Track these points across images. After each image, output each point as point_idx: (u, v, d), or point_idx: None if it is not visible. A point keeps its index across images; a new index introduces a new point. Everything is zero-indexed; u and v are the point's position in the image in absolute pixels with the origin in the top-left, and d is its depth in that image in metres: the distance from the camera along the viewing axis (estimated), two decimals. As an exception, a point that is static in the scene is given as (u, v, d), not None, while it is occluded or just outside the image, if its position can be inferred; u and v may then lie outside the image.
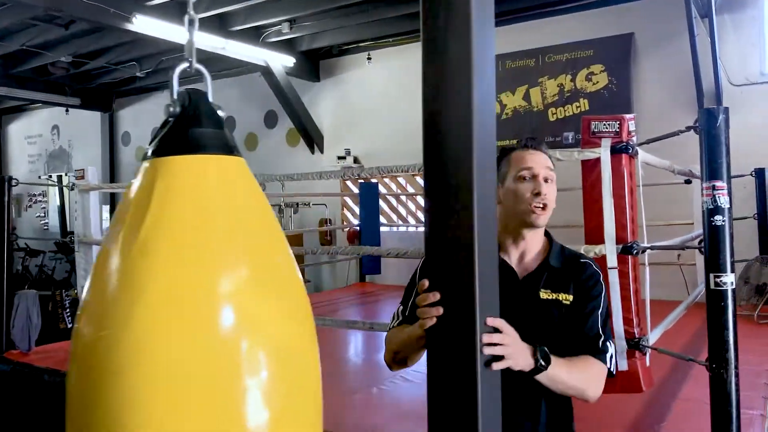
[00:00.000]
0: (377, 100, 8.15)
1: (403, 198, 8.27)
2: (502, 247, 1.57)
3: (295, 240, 7.86)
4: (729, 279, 1.96)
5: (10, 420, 4.13)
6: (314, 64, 8.63)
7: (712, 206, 1.97)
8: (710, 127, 1.98)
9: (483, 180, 1.24)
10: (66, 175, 11.69)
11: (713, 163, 1.97)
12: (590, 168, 2.53)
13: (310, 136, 8.60)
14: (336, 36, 7.80)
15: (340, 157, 8.21)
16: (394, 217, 8.37)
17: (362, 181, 7.85)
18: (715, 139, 1.97)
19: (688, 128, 2.17)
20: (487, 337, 1.21)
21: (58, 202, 11.64)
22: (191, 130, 0.87)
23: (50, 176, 12.04)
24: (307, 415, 0.93)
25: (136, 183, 0.87)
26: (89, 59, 8.55)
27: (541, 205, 1.52)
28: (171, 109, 0.91)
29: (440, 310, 1.20)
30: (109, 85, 10.25)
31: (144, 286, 0.82)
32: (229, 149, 0.90)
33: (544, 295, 1.54)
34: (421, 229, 7.90)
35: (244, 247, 0.87)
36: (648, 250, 2.60)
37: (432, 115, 1.29)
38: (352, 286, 8.03)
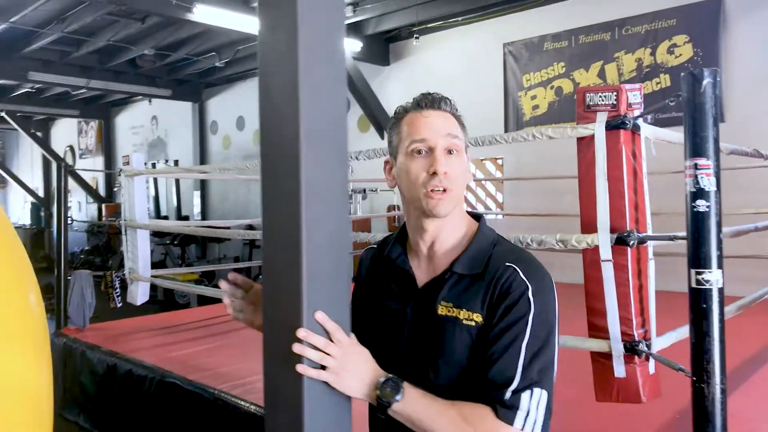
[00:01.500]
0: (445, 82, 7.89)
1: (471, 184, 7.97)
2: (410, 245, 1.24)
3: (363, 225, 7.83)
4: (714, 276, 1.63)
5: (63, 389, 4.42)
6: (383, 47, 8.51)
7: (694, 189, 1.64)
8: (693, 94, 1.64)
9: (313, 166, 1.07)
10: (164, 162, 12.43)
11: (696, 137, 1.63)
12: (585, 146, 2.22)
13: (379, 121, 8.51)
14: (402, 17, 7.62)
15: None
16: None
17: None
18: (699, 108, 1.63)
19: (671, 100, 1.82)
20: (304, 334, 1.02)
21: (153, 190, 12.42)
22: None
23: (153, 164, 12.86)
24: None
25: None
26: (171, 52, 8.95)
27: (441, 188, 1.13)
28: None
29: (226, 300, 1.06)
30: (197, 75, 10.72)
31: None
32: None
33: (441, 310, 1.16)
34: (490, 216, 7.62)
35: None
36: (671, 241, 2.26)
37: (265, 110, 1.13)
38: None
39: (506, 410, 1.04)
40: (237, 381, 3.20)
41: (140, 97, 12.01)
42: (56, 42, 8.54)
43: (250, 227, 8.76)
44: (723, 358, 1.63)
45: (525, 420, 1.03)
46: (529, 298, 1.09)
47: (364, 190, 8.25)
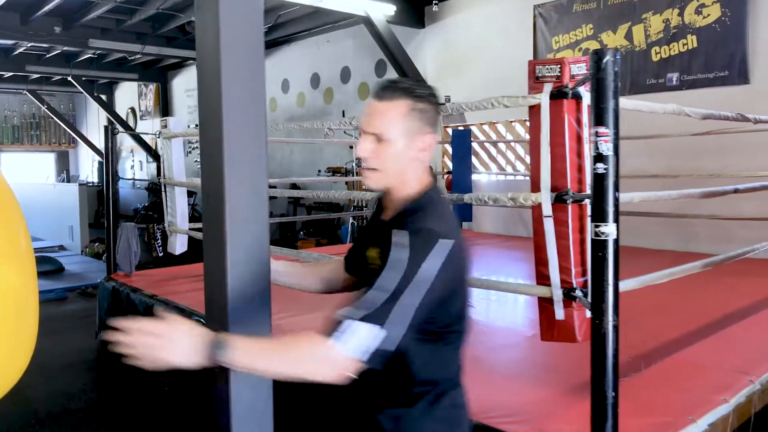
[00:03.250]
0: (478, 45, 8.01)
1: (501, 146, 8.13)
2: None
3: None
4: (610, 229, 1.88)
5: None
6: (418, 10, 8.64)
7: (595, 153, 1.89)
8: (596, 70, 1.87)
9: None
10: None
11: (597, 108, 1.87)
12: (534, 114, 2.46)
13: (414, 84, 8.69)
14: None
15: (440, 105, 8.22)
16: (493, 166, 8.27)
17: (459, 128, 7.86)
18: (601, 82, 1.86)
19: (582, 78, 2.04)
20: (112, 337, 1.15)
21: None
22: None
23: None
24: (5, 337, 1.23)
25: None
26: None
27: (368, 168, 1.36)
28: None
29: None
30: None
31: None
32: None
33: (368, 251, 1.40)
34: (519, 177, 7.78)
35: None
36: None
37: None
38: (448, 233, 8.16)
39: (336, 333, 1.17)
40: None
41: (191, 61, 12.55)
42: (112, 11, 9.10)
43: (294, 186, 9.24)
44: (616, 299, 1.90)
45: (342, 339, 1.17)
46: (398, 252, 1.24)
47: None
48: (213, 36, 1.39)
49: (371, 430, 1.43)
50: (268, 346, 1.24)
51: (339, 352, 1.17)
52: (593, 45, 6.76)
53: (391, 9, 7.98)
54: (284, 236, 10.18)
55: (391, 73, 9.02)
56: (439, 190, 1.44)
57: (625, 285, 2.43)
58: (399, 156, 1.34)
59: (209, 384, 1.47)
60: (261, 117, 1.46)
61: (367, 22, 8.08)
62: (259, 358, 1.21)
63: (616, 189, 1.88)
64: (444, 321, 1.37)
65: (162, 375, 3.89)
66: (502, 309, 4.29)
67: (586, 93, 2.38)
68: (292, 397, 2.74)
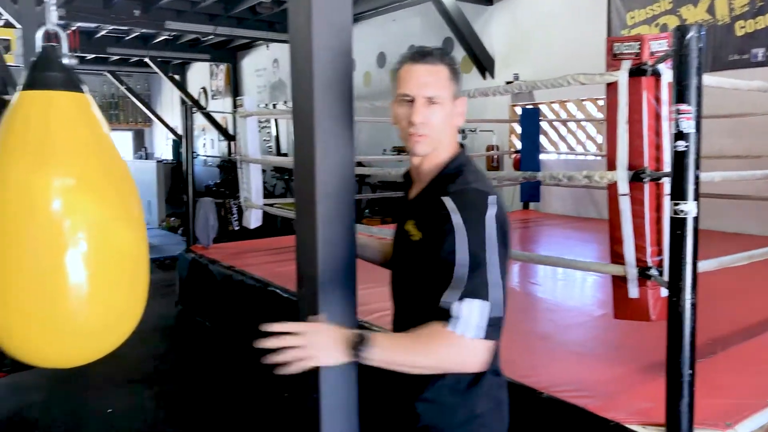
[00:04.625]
0: (548, 22, 7.83)
1: (572, 125, 7.96)
2: (410, 165, 1.48)
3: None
4: (689, 207, 1.87)
5: (190, 294, 5.30)
6: (488, -13, 8.52)
7: (676, 131, 1.87)
8: (679, 46, 1.84)
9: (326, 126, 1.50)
10: (283, 103, 13.28)
11: (679, 85, 1.85)
12: (612, 92, 2.44)
13: (481, 62, 8.62)
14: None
15: (508, 83, 8.14)
16: (563, 145, 8.12)
17: (528, 106, 7.76)
18: (683, 59, 1.84)
19: (663, 55, 2.00)
20: (262, 344, 1.18)
21: (274, 130, 13.36)
22: (41, 73, 1.31)
23: (275, 105, 13.79)
24: (125, 287, 1.36)
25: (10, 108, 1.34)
26: (287, -2, 9.53)
27: (419, 134, 1.35)
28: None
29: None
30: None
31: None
32: (74, 86, 1.33)
33: (406, 225, 1.40)
34: (590, 157, 7.61)
35: (79, 162, 1.31)
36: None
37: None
38: (514, 213, 8.12)
39: (447, 319, 1.21)
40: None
41: (260, 41, 12.83)
42: (186, -7, 9.43)
43: (360, 164, 9.37)
44: (695, 277, 1.90)
45: (460, 325, 1.20)
46: (450, 224, 1.25)
47: (464, 131, 8.50)
48: (305, 18, 1.48)
49: (407, 417, 1.41)
50: (406, 343, 1.25)
51: (465, 340, 1.20)
52: (672, 20, 6.50)
53: (459, -14, 7.91)
54: (350, 214, 10.34)
55: (458, 51, 8.96)
56: (468, 152, 1.45)
57: (703, 266, 2.41)
58: (446, 120, 1.37)
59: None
60: (348, 97, 1.54)
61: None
62: (400, 354, 1.24)
63: (697, 167, 1.87)
64: None
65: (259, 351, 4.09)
66: (569, 289, 4.28)
67: (666, 70, 2.34)
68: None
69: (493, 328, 1.24)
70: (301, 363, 1.21)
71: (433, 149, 1.39)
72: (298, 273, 1.63)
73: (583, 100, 7.59)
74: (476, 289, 1.22)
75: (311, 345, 1.21)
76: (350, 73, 1.55)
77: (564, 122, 7.91)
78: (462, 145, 1.45)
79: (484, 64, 8.64)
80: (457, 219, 1.26)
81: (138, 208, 1.42)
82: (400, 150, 9.91)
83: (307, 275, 1.57)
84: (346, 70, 1.53)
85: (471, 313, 1.20)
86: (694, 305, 1.89)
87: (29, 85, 1.31)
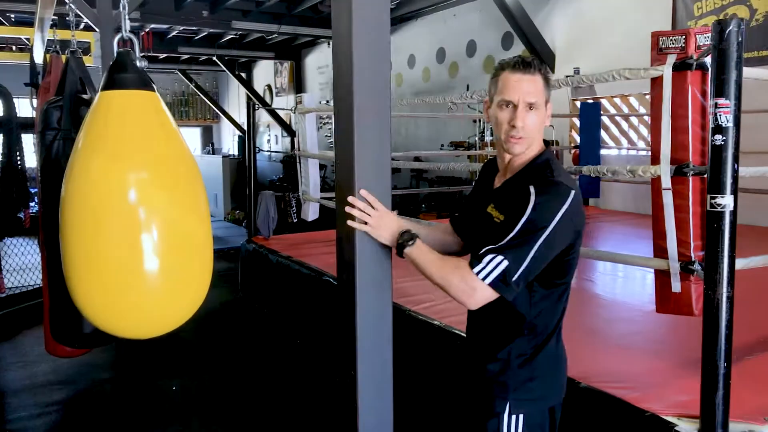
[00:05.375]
0: (612, 15, 7.68)
1: (634, 120, 7.77)
2: (498, 158, 1.69)
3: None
4: (726, 201, 1.87)
5: (251, 282, 5.54)
6: (548, -20, 8.42)
7: (714, 125, 1.88)
8: (719, 41, 1.85)
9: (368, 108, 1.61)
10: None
11: (717, 79, 1.85)
12: (657, 86, 2.44)
13: (541, 57, 8.52)
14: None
15: (567, 77, 8.01)
16: (624, 140, 7.94)
17: (588, 100, 7.63)
18: (723, 53, 1.84)
19: (705, 49, 1.98)
20: (351, 200, 1.55)
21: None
22: (118, 75, 1.48)
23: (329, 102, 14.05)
24: (191, 269, 1.52)
25: (92, 107, 1.51)
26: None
27: (518, 136, 1.54)
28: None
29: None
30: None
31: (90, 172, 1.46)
32: (146, 86, 1.49)
33: (489, 209, 1.62)
34: (631, 152, 7.41)
35: (152, 156, 1.47)
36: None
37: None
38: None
39: (476, 261, 1.46)
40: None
41: (323, 39, 13.10)
42: (252, -7, 9.77)
43: (417, 159, 9.47)
44: (732, 270, 1.91)
45: (481, 270, 1.45)
46: (529, 206, 1.46)
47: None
48: (346, 19, 1.59)
49: (479, 373, 1.63)
50: (436, 258, 1.53)
51: (476, 281, 1.45)
52: (741, 10, 6.26)
53: (519, -20, 7.86)
54: (407, 209, 10.46)
55: (518, 46, 8.90)
56: (552, 150, 1.63)
57: (746, 263, 2.39)
58: (542, 123, 1.57)
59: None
60: (385, 95, 1.64)
61: (494, -6, 8.02)
62: (427, 263, 1.52)
63: (735, 161, 1.87)
64: (558, 270, 1.55)
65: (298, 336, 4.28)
66: (626, 284, 4.24)
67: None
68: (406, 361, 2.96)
69: (504, 287, 1.45)
70: (363, 227, 1.54)
71: (527, 149, 1.58)
72: (338, 260, 1.75)
73: (645, 94, 7.41)
74: (509, 253, 1.44)
75: (377, 219, 1.53)
76: (387, 71, 1.65)
77: (626, 117, 7.74)
78: (547, 143, 1.63)
79: (544, 58, 8.53)
80: (534, 201, 1.46)
81: (203, 198, 1.57)
82: (457, 145, 9.94)
83: (346, 262, 1.68)
84: (383, 68, 1.64)
85: (493, 265, 1.44)
86: (730, 298, 1.90)
87: (107, 86, 1.49)
